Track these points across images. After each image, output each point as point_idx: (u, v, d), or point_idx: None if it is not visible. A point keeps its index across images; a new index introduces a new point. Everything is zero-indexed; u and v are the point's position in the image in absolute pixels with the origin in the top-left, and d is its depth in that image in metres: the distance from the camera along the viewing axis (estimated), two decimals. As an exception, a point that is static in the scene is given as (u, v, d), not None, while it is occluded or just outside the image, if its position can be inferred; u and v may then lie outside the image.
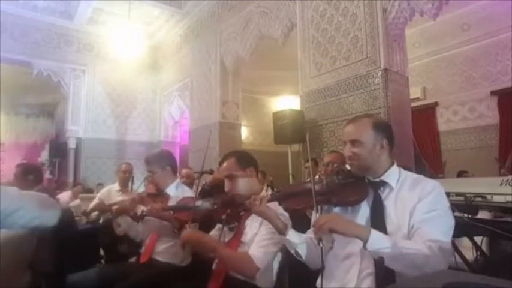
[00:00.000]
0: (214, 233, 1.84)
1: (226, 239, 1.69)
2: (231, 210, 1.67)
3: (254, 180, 1.72)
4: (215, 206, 1.75)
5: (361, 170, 1.30)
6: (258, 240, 1.54)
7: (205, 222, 1.92)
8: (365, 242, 1.07)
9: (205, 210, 1.77)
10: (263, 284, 1.53)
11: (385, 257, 1.00)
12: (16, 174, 2.74)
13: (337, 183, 1.33)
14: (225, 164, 1.76)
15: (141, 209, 2.02)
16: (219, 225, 1.81)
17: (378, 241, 1.06)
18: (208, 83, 6.29)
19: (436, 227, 1.11)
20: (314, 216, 1.25)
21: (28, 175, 2.72)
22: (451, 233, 1.14)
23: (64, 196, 5.20)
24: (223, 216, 1.69)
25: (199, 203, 1.80)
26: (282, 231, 1.34)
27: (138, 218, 2.01)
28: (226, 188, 1.73)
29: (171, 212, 1.89)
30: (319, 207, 1.23)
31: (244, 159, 1.76)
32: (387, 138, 1.30)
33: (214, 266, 1.67)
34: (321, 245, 1.12)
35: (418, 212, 1.15)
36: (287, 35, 4.75)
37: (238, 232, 1.65)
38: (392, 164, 1.31)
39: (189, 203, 1.83)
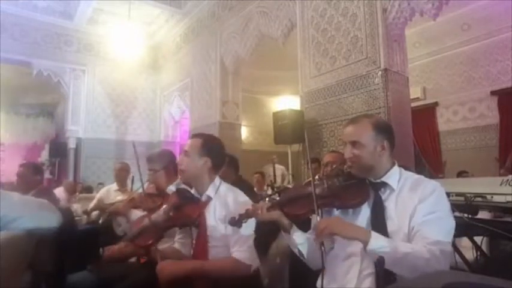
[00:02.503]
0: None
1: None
2: (183, 209, 1.61)
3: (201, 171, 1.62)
4: (171, 213, 1.66)
5: (362, 172, 1.29)
6: (236, 240, 1.51)
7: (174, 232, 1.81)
8: (366, 244, 1.07)
9: (164, 222, 1.66)
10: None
11: (386, 260, 1.00)
12: (22, 174, 2.75)
13: (339, 186, 1.31)
14: (190, 141, 1.68)
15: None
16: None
17: (378, 243, 1.06)
18: (208, 83, 6.29)
19: (437, 229, 1.10)
20: (315, 219, 1.24)
21: (36, 175, 2.78)
22: (452, 234, 1.13)
23: (58, 192, 5.15)
24: (183, 219, 1.62)
25: (154, 216, 1.69)
26: (288, 230, 1.33)
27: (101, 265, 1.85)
28: (178, 160, 1.70)
29: (132, 241, 1.74)
30: (320, 210, 1.22)
31: (207, 147, 1.63)
32: (388, 139, 1.28)
33: None
34: (322, 248, 1.12)
35: (419, 214, 1.14)
36: (287, 35, 4.75)
37: (201, 229, 1.59)
38: (393, 164, 1.30)
39: (145, 223, 1.71)
